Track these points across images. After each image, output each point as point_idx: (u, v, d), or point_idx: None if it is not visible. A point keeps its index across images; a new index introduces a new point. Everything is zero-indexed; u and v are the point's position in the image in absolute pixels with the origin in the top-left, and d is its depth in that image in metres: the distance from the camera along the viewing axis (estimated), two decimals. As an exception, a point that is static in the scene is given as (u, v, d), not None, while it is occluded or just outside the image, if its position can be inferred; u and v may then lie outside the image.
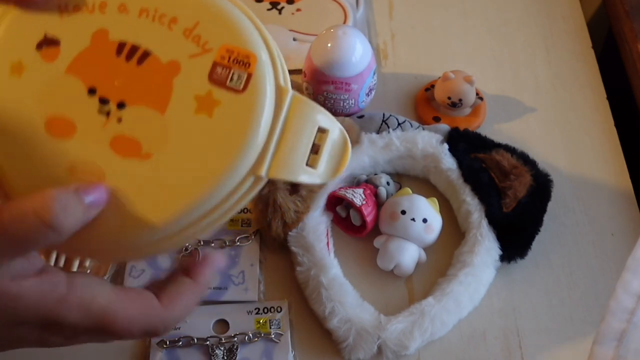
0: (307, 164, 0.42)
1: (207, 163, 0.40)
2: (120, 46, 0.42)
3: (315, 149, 0.42)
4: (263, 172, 0.41)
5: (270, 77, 0.42)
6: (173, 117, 0.41)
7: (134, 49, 0.42)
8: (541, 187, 0.63)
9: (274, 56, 0.42)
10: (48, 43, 0.42)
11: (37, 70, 0.42)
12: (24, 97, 0.41)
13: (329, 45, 0.65)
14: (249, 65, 0.41)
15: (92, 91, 0.41)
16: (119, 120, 0.40)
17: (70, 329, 0.40)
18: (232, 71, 0.41)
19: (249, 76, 0.41)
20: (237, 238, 0.63)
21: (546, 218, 0.63)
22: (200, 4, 0.42)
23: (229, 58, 0.41)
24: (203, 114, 0.41)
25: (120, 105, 0.41)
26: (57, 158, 0.40)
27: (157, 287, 0.43)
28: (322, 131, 0.43)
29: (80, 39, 0.42)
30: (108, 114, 0.41)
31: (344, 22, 0.75)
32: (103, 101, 0.41)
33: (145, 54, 0.42)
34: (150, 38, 0.42)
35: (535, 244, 0.62)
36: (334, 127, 0.43)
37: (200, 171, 0.40)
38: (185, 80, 0.41)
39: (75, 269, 0.61)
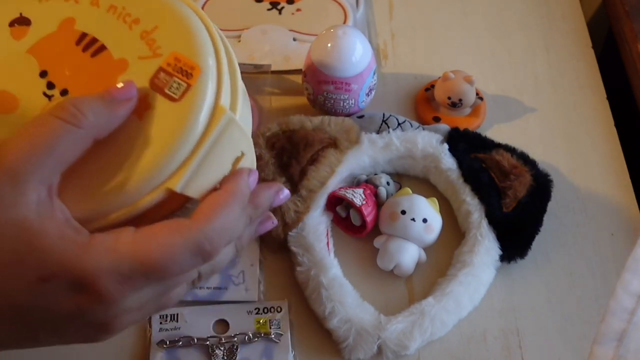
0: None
1: (124, 164, 0.40)
2: (82, 36, 0.43)
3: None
4: (178, 187, 0.41)
5: (211, 93, 0.41)
6: None
7: (93, 41, 0.43)
8: (541, 187, 0.63)
9: (222, 73, 0.42)
10: (20, 22, 0.44)
11: (3, 45, 0.44)
12: None
13: (329, 45, 0.65)
14: (191, 76, 0.41)
15: (43, 74, 0.43)
16: None
17: (105, 281, 0.38)
18: (174, 79, 0.41)
19: (188, 87, 0.41)
20: (237, 238, 0.63)
21: (546, 218, 0.63)
22: (164, 10, 0.43)
23: (175, 66, 0.42)
24: (134, 115, 0.41)
25: (63, 92, 0.42)
26: None
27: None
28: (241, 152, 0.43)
29: (49, 24, 0.44)
30: (50, 97, 0.42)
31: (344, 22, 0.75)
32: (50, 85, 0.42)
33: (101, 48, 0.43)
34: (110, 34, 0.43)
35: (535, 244, 0.62)
36: (249, 153, 0.43)
37: (115, 172, 0.41)
38: (128, 79, 0.42)
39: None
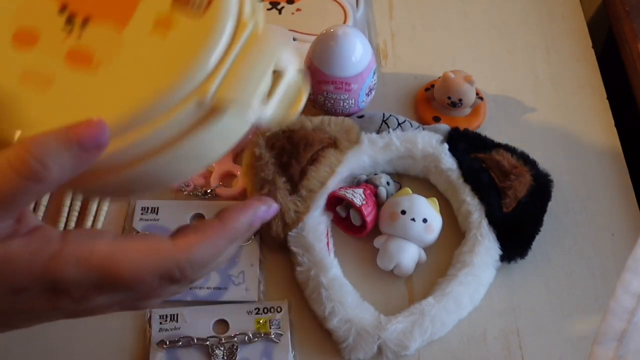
0: (261, 102, 0.41)
1: (149, 79, 0.41)
2: None
3: (269, 90, 0.42)
4: (208, 96, 0.40)
5: (234, 7, 0.42)
6: (129, 36, 0.42)
7: None
8: (541, 187, 0.63)
9: None
10: None
11: None
12: (5, 6, 0.44)
13: (329, 45, 0.65)
14: None
15: (63, 8, 0.43)
16: (79, 37, 0.42)
17: (77, 288, 0.38)
18: None
19: (210, 2, 0.41)
20: (237, 238, 0.63)
21: (546, 218, 0.63)
22: None
23: None
24: (156, 35, 0.42)
25: (85, 22, 0.43)
26: (13, 65, 0.41)
27: (177, 231, 0.41)
28: (279, 71, 0.42)
29: None
30: (71, 30, 0.43)
31: (344, 22, 0.75)
32: (70, 18, 0.43)
33: None
34: None
35: (535, 244, 0.62)
36: (292, 68, 0.43)
37: (140, 85, 0.41)
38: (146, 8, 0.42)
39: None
